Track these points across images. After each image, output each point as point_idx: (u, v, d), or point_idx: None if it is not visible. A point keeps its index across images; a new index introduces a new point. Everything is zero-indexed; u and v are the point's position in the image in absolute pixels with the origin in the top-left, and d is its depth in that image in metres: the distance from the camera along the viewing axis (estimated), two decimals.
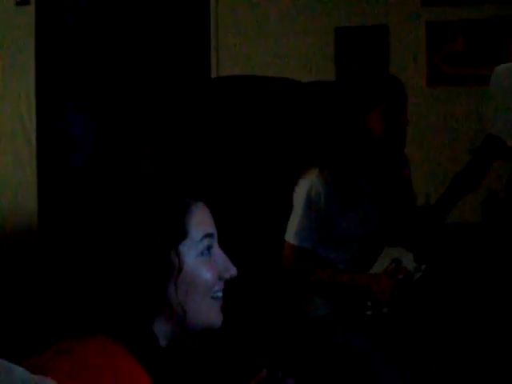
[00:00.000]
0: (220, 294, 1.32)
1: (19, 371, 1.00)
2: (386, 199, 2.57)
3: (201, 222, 1.29)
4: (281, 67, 3.91)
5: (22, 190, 4.20)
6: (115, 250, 1.24)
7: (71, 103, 4.28)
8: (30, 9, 4.20)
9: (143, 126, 4.13)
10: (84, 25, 4.30)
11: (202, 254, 1.28)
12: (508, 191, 3.06)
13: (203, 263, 1.28)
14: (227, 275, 1.32)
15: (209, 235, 1.29)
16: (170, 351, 1.31)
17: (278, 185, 2.77)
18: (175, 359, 1.34)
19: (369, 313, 2.41)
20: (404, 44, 3.88)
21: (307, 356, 2.42)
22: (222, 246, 1.36)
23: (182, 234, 1.26)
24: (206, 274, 1.28)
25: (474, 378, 2.35)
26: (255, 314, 2.61)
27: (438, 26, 3.84)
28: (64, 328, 1.22)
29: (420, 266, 2.48)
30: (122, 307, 1.22)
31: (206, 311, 1.29)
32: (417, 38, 3.86)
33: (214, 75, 4.09)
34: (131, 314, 1.22)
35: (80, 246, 1.27)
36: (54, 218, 3.95)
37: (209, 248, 1.29)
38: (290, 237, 2.48)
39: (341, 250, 2.50)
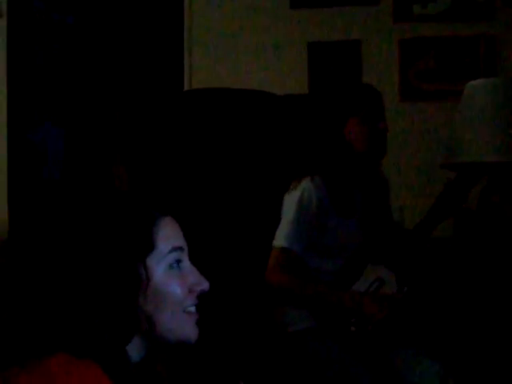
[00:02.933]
0: (193, 309, 1.30)
1: None
2: (374, 212, 2.58)
3: (169, 235, 1.28)
4: (254, 82, 3.92)
5: None
6: (81, 262, 1.22)
7: (43, 115, 4.25)
8: (2, 21, 4.16)
9: (115, 138, 4.11)
10: (57, 37, 4.28)
11: (170, 267, 1.27)
12: (480, 206, 3.09)
13: (172, 277, 1.27)
14: (198, 289, 1.31)
15: (177, 248, 1.29)
16: (142, 367, 1.29)
17: (255, 197, 2.76)
18: (147, 375, 1.32)
19: (353, 329, 2.39)
20: (377, 59, 3.91)
21: (286, 371, 2.40)
22: (196, 260, 1.34)
23: (149, 246, 1.25)
24: (175, 288, 1.27)
25: None
26: (232, 327, 2.59)
27: (411, 43, 3.87)
28: (28, 345, 1.19)
29: (402, 287, 2.47)
30: (91, 322, 1.20)
31: (179, 325, 1.28)
32: (389, 54, 3.89)
33: (186, 86, 4.08)
34: (102, 329, 1.20)
35: (47, 259, 1.25)
36: (24, 231, 3.91)
37: (178, 261, 1.29)
38: (279, 241, 2.44)
39: (330, 261, 2.49)
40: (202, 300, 1.34)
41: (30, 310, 1.23)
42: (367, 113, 2.48)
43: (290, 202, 2.47)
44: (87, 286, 1.21)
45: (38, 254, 1.27)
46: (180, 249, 1.30)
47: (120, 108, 4.15)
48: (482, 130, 3.02)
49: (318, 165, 2.50)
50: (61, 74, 4.26)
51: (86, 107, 4.23)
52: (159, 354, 1.33)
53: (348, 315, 2.38)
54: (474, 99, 3.08)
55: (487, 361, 2.73)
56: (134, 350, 1.26)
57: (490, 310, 2.87)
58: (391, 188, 2.69)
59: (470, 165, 3.09)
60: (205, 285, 1.31)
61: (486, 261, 2.98)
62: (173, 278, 1.27)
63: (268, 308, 2.54)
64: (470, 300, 2.93)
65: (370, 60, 3.91)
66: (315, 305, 2.41)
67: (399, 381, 2.33)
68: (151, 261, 1.25)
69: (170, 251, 1.27)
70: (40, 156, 4.21)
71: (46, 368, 1.14)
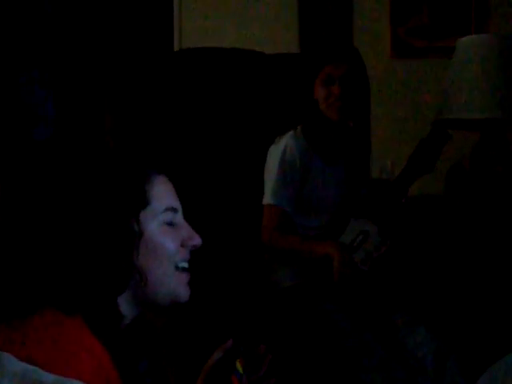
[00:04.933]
0: (185, 265, 1.31)
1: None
2: (354, 164, 2.61)
3: (162, 193, 1.29)
4: (244, 37, 3.88)
5: None
6: (75, 215, 1.23)
7: (32, 74, 4.21)
8: None
9: (105, 98, 4.09)
10: None
11: (164, 224, 1.28)
12: (473, 162, 3.10)
13: (165, 231, 1.28)
14: (190, 244, 1.32)
15: (171, 209, 1.30)
16: (133, 326, 1.31)
17: (244, 155, 2.77)
18: (138, 334, 1.33)
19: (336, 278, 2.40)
20: (368, 15, 3.87)
21: (278, 326, 2.43)
22: (189, 218, 1.35)
23: (143, 202, 1.26)
24: (168, 243, 1.28)
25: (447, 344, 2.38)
26: (224, 284, 2.61)
27: None
28: (18, 302, 1.20)
29: (385, 239, 2.50)
30: (83, 275, 1.20)
31: (171, 282, 1.29)
32: (381, 10, 3.86)
33: (176, 45, 4.05)
34: (94, 282, 1.21)
35: (40, 217, 1.25)
36: (14, 191, 3.90)
37: (172, 221, 1.30)
38: (267, 199, 2.47)
39: (316, 217, 2.52)
40: (196, 259, 1.35)
41: (22, 265, 1.23)
42: (326, 75, 2.46)
43: (274, 158, 2.50)
44: (80, 239, 1.21)
45: (31, 212, 1.27)
46: (174, 210, 1.31)
47: (110, 69, 4.13)
48: (473, 86, 3.02)
49: (297, 119, 2.54)
50: (49, 31, 4.22)
51: (75, 67, 4.20)
52: (152, 313, 1.35)
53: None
54: (466, 56, 3.07)
55: (481, 328, 2.76)
56: (127, 307, 1.26)
57: (481, 271, 2.89)
58: (382, 145, 2.69)
59: (461, 121, 3.10)
60: (197, 240, 1.33)
61: (477, 218, 3.00)
62: (165, 233, 1.28)
63: (261, 266, 2.57)
64: (460, 258, 2.95)
65: (361, 16, 3.88)
66: (302, 257, 2.44)
67: (392, 340, 2.37)
68: (144, 216, 1.26)
69: (164, 211, 1.28)
70: (30, 117, 4.18)
71: (31, 322, 1.15)
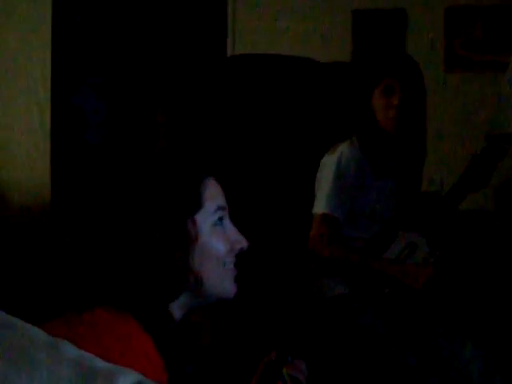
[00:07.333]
0: (231, 266, 1.34)
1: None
2: (407, 177, 2.58)
3: (214, 195, 1.33)
4: (297, 49, 3.90)
5: (36, 165, 4.22)
6: (133, 220, 1.25)
7: (86, 79, 4.28)
8: None
9: (158, 101, 4.13)
10: (100, 1, 4.30)
11: (215, 225, 1.31)
12: None
13: (216, 234, 1.31)
14: (238, 247, 1.34)
15: (221, 208, 1.33)
16: (180, 327, 1.32)
17: (294, 161, 2.77)
18: (184, 336, 1.35)
19: (386, 290, 2.40)
20: (422, 29, 3.86)
21: (325, 337, 2.42)
22: (236, 221, 1.38)
23: (198, 204, 1.29)
24: (219, 244, 1.31)
25: (492, 363, 2.33)
26: (271, 293, 2.61)
27: (457, 11, 3.81)
28: (73, 302, 1.23)
29: (434, 251, 2.48)
30: (140, 277, 1.23)
31: (220, 280, 1.32)
32: (435, 23, 3.84)
33: (229, 51, 4.08)
34: (151, 285, 1.23)
35: (96, 219, 1.28)
36: (67, 194, 3.96)
37: (221, 219, 1.33)
38: (320, 207, 2.45)
39: (363, 228, 2.50)
40: (241, 260, 1.37)
41: (78, 266, 1.27)
42: (386, 86, 2.45)
43: (329, 167, 2.48)
44: (138, 243, 1.24)
45: (86, 217, 1.30)
46: (224, 208, 1.34)
47: (163, 75, 4.17)
48: None
49: (353, 129, 2.52)
50: (104, 35, 4.28)
51: (128, 70, 4.25)
52: (201, 311, 1.37)
53: (381, 283, 2.40)
54: None
55: None
56: (176, 309, 1.29)
57: None
58: (434, 159, 2.66)
59: None
60: (244, 243, 1.35)
61: None
62: (216, 235, 1.31)
63: (307, 275, 2.56)
64: (510, 274, 2.91)
65: (414, 29, 3.86)
66: (358, 273, 2.42)
67: (435, 355, 2.34)
68: (199, 218, 1.29)
69: (216, 210, 1.32)
70: (83, 119, 4.25)
71: (86, 319, 1.18)
